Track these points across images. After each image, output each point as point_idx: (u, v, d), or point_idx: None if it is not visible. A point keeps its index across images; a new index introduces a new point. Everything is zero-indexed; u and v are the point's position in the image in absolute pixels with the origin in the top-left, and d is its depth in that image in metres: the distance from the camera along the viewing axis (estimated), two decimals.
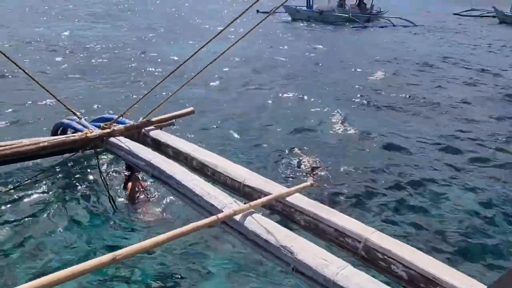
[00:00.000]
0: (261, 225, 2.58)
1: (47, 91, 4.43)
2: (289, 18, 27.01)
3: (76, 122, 4.86)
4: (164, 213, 4.32)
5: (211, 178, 3.51)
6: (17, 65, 3.95)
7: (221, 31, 3.39)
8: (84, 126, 4.60)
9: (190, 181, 3.22)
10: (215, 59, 3.75)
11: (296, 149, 6.03)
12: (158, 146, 4.18)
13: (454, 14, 49.50)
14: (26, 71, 4.02)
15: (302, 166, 5.50)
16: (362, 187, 5.09)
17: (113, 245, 3.69)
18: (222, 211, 2.79)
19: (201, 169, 3.64)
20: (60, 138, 4.19)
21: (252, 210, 2.76)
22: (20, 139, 4.18)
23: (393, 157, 6.14)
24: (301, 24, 25.85)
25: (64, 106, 4.67)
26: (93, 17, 21.20)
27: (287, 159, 5.74)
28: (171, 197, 4.38)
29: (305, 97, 9.12)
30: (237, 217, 2.68)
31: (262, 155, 5.88)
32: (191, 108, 4.96)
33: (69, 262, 3.37)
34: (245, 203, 2.88)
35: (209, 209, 2.95)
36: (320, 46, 17.66)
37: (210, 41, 3.44)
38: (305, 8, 28.37)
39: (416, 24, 30.95)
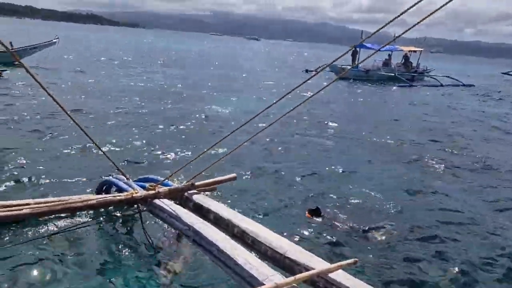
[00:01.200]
0: None
1: (99, 148, 4.65)
2: (335, 77, 27.43)
3: (123, 181, 5.00)
4: (202, 275, 4.23)
5: (251, 247, 3.44)
6: (73, 120, 4.21)
7: (290, 91, 3.48)
8: (130, 186, 4.73)
9: (232, 249, 3.17)
10: (276, 120, 3.83)
11: (339, 217, 5.81)
12: (200, 211, 4.19)
13: (503, 73, 48.54)
14: (80, 126, 4.26)
15: (348, 238, 5.24)
16: (411, 268, 4.73)
17: None
18: (263, 284, 2.71)
19: (242, 237, 3.59)
20: (107, 197, 4.33)
21: (294, 285, 2.66)
22: (59, 188, 4.32)
23: (458, 232, 5.69)
24: (347, 83, 26.15)
25: (114, 165, 4.86)
26: (148, 69, 22.51)
27: (332, 229, 5.51)
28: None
29: (351, 158, 8.98)
30: None
31: (304, 221, 5.71)
32: (234, 175, 5.01)
33: None
34: (286, 276, 2.79)
35: (250, 280, 2.87)
36: (367, 105, 17.68)
37: (275, 103, 3.53)
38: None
39: (465, 84, 30.52)
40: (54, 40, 22.58)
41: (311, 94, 3.75)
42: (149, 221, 4.98)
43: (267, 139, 9.67)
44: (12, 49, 21.27)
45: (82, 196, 4.65)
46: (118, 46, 48.23)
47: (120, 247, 4.63)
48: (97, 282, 3.94)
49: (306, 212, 5.75)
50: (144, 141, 8.86)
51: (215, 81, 21.62)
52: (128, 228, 5.03)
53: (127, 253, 4.53)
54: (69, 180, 6.17)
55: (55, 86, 15.46)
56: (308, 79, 3.55)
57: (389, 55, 30.87)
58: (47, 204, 4.10)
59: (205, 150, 4.20)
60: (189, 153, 8.05)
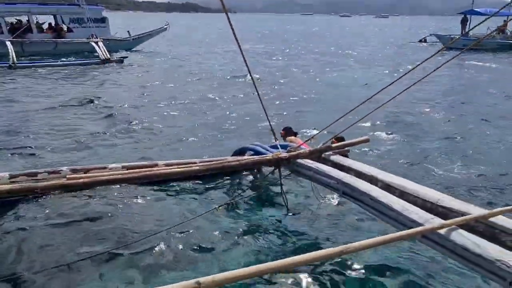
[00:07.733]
0: (470, 240, 2.68)
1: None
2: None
3: (260, 147, 5.51)
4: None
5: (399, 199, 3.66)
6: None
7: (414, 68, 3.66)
8: (267, 150, 5.23)
9: (385, 197, 3.46)
10: (399, 94, 4.04)
11: None
12: (340, 169, 4.47)
13: None
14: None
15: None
16: None
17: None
18: (423, 225, 2.95)
19: (387, 190, 3.80)
20: (257, 158, 4.86)
21: (455, 226, 2.86)
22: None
23: None
24: (456, 53, 24.39)
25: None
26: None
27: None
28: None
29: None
30: (442, 231, 2.80)
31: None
32: (366, 137, 5.24)
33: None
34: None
35: (409, 224, 3.12)
36: (485, 75, 16.67)
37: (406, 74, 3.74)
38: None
39: None
40: (165, 26, 24.96)
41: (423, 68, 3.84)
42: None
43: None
44: (131, 37, 23.78)
45: (235, 157, 5.25)
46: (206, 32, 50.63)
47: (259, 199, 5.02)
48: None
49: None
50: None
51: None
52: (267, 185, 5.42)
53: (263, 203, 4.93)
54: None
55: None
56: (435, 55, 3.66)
57: (505, 21, 28.04)
58: (207, 164, 4.74)
59: (344, 114, 4.40)
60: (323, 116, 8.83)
